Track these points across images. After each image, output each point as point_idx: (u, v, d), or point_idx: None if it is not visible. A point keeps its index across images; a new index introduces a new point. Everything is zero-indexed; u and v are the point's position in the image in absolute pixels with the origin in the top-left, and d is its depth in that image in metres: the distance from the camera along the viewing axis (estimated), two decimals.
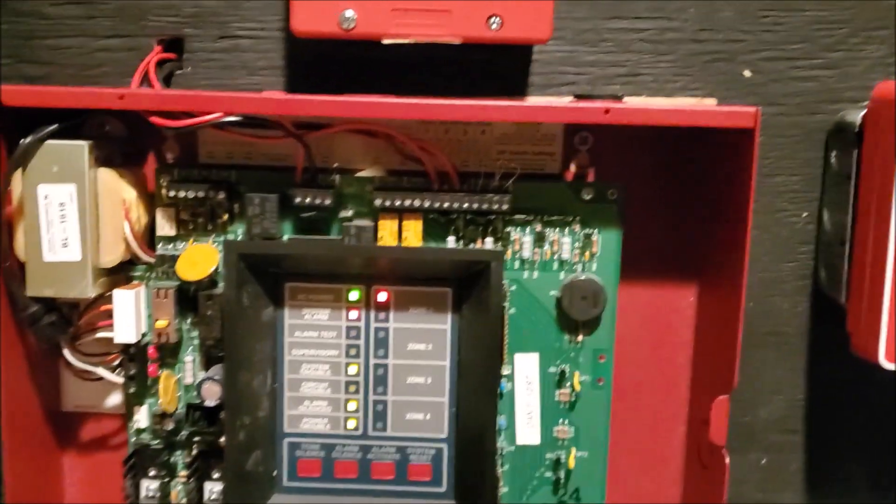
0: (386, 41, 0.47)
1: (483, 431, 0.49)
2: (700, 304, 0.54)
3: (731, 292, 0.48)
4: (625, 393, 0.54)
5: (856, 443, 0.56)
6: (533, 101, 0.51)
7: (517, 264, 0.51)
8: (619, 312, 0.52)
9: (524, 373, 0.52)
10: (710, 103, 0.52)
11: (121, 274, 0.51)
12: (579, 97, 0.50)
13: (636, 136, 0.53)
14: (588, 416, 0.52)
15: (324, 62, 0.52)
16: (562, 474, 0.53)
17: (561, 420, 0.52)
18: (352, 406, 0.52)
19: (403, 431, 0.52)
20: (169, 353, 0.52)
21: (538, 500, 0.53)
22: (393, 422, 0.52)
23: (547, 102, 0.50)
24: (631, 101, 0.51)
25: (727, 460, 0.48)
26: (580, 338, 0.52)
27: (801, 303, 0.54)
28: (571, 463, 0.52)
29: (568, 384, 0.52)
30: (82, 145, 0.48)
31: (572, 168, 0.52)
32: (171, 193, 0.50)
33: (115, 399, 0.55)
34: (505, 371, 0.52)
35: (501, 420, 0.52)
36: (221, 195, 0.50)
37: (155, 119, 0.47)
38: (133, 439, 0.53)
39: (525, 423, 0.52)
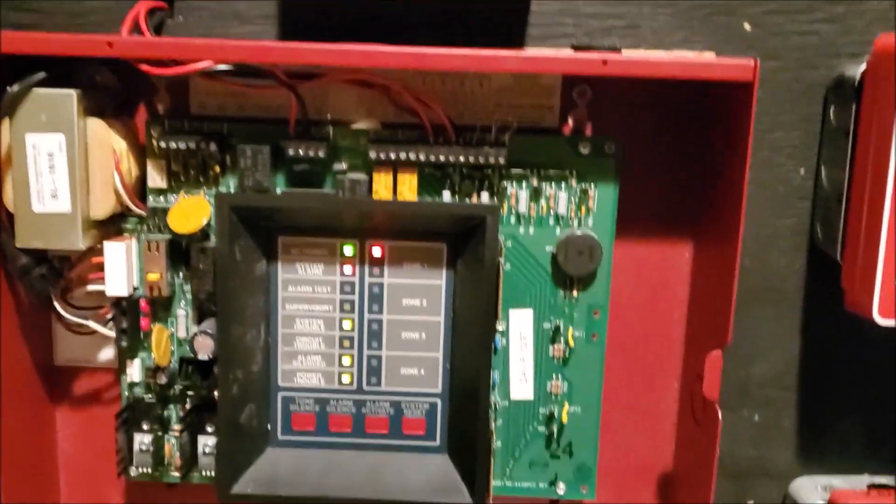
0: None
1: (477, 386, 0.49)
2: (696, 260, 0.54)
3: (726, 248, 0.47)
4: (619, 348, 0.54)
5: (850, 399, 0.56)
6: (531, 52, 0.51)
7: (513, 219, 0.51)
8: (615, 268, 0.51)
9: (518, 328, 0.52)
10: (708, 57, 0.51)
11: (112, 226, 0.51)
12: (577, 48, 0.49)
13: (635, 89, 0.52)
14: (582, 372, 0.52)
15: (319, 13, 0.51)
16: (555, 429, 0.53)
17: (555, 375, 0.52)
18: (346, 361, 0.52)
19: (397, 386, 0.52)
20: (161, 307, 0.52)
21: (531, 455, 0.53)
22: (387, 377, 0.52)
23: (545, 53, 0.49)
24: (629, 54, 0.50)
25: (720, 415, 0.48)
26: (575, 293, 0.52)
27: (797, 259, 0.54)
28: (564, 418, 0.52)
29: (562, 340, 0.52)
30: (71, 94, 0.47)
31: (570, 122, 0.52)
32: (162, 145, 0.49)
33: (107, 353, 0.55)
34: (499, 327, 0.52)
35: (495, 375, 0.52)
36: (213, 147, 0.49)
37: (145, 67, 0.46)
38: (126, 393, 0.53)
39: (519, 379, 0.52)
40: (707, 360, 0.48)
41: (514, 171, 0.50)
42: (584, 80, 0.51)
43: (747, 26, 0.51)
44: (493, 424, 0.52)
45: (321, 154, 0.49)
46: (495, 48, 0.45)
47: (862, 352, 0.55)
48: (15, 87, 0.46)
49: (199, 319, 0.52)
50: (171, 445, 0.53)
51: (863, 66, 0.48)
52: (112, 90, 0.51)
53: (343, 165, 0.50)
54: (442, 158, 0.49)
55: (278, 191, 0.50)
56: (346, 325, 0.52)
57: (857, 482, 0.55)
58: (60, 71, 0.48)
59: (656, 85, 0.51)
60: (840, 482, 0.55)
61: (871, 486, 0.54)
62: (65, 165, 0.47)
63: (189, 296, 0.52)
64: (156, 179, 0.51)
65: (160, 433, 0.53)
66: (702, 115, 0.52)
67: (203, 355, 0.50)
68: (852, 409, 0.56)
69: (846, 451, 0.56)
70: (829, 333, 0.55)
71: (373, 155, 0.49)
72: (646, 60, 0.45)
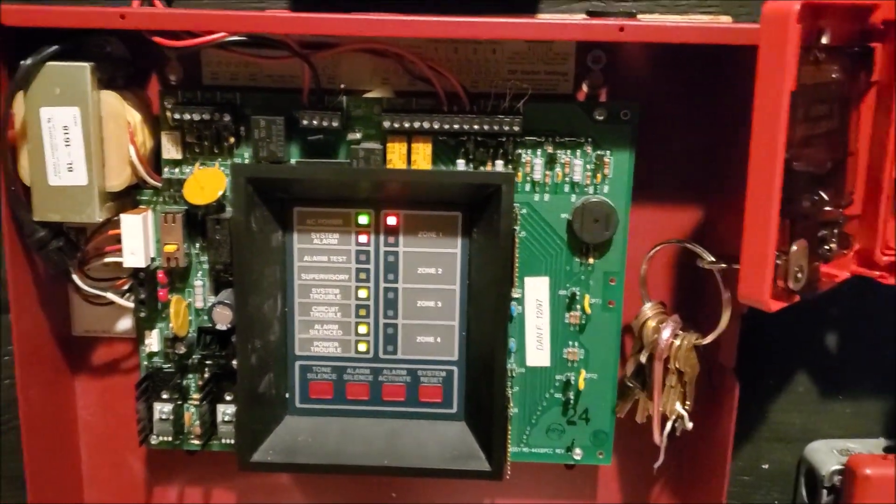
0: None
1: (493, 354, 0.49)
2: (712, 226, 0.54)
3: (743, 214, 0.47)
4: (635, 315, 0.54)
5: (865, 363, 0.56)
6: (545, 18, 0.50)
7: (528, 187, 0.51)
8: (631, 235, 0.51)
9: (534, 296, 0.52)
10: (724, 21, 0.50)
11: (128, 198, 0.51)
12: (592, 14, 0.49)
13: (650, 55, 0.51)
14: (598, 339, 0.52)
15: None
16: (571, 395, 0.53)
17: (571, 342, 0.53)
18: (362, 330, 0.52)
19: (414, 354, 0.53)
20: (178, 278, 0.52)
21: (548, 421, 0.54)
22: (403, 345, 0.52)
23: (560, 19, 0.48)
24: (645, 19, 0.49)
25: (737, 383, 0.48)
26: (591, 261, 0.51)
27: None
28: (581, 384, 0.53)
29: (578, 307, 0.52)
30: (84, 67, 0.47)
31: (585, 88, 0.51)
32: (176, 116, 0.49)
33: (125, 324, 0.56)
34: (515, 294, 0.52)
35: (511, 343, 0.52)
36: (227, 118, 0.49)
37: (157, 39, 0.46)
38: (145, 363, 0.54)
39: (535, 346, 0.53)
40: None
41: (529, 138, 0.50)
42: (597, 45, 0.51)
43: None
44: (509, 391, 0.53)
45: (335, 124, 0.49)
46: (508, 14, 0.45)
47: (878, 314, 0.55)
48: (28, 61, 0.46)
49: (216, 290, 0.52)
50: (191, 414, 0.54)
51: None
52: (124, 62, 0.50)
53: (357, 135, 0.50)
54: (456, 127, 0.49)
55: (293, 161, 0.50)
56: (362, 294, 0.52)
57: (873, 446, 0.56)
58: (72, 44, 0.47)
59: (672, 50, 0.51)
60: (855, 446, 0.56)
61: (888, 450, 0.55)
62: (80, 138, 0.47)
63: (206, 267, 0.52)
64: (170, 151, 0.50)
65: (180, 402, 0.53)
66: (717, 80, 0.51)
67: (222, 325, 0.50)
68: (867, 373, 0.56)
69: (861, 414, 0.57)
70: (844, 295, 0.54)
71: (387, 124, 0.49)
72: (663, 26, 0.44)
